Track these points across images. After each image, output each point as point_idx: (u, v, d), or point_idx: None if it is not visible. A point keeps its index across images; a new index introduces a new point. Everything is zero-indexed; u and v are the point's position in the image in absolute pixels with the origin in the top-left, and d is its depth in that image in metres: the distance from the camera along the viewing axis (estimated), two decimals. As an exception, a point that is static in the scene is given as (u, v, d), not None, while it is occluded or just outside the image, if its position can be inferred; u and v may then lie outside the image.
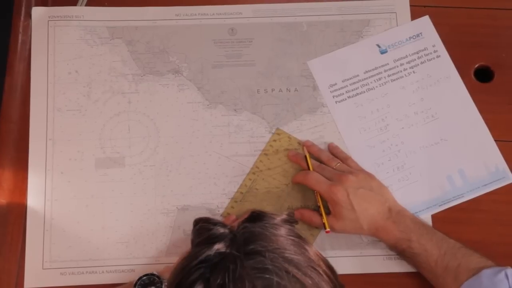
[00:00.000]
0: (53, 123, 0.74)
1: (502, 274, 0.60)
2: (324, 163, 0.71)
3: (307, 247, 0.50)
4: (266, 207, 0.71)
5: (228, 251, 0.47)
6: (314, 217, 0.69)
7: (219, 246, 0.47)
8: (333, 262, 0.70)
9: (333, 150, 0.73)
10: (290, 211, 0.66)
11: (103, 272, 0.70)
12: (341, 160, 0.71)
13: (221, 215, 0.72)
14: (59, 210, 0.72)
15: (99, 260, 0.71)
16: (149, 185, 0.73)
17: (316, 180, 0.68)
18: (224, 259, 0.46)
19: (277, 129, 0.74)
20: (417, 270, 0.68)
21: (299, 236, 0.52)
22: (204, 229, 0.51)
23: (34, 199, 0.72)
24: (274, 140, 0.74)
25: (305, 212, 0.70)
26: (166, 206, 0.72)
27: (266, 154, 0.73)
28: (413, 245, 0.65)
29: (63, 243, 0.71)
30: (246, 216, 0.53)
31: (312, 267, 0.48)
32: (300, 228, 0.71)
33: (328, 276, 0.49)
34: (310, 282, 0.46)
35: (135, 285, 0.64)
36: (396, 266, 0.71)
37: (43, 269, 0.70)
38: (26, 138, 0.73)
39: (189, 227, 0.71)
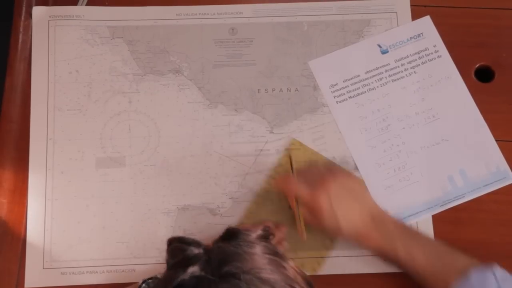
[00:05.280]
0: (54, 123, 0.74)
1: (489, 274, 0.60)
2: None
3: (284, 264, 0.49)
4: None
5: (202, 274, 0.46)
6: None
7: (193, 269, 0.46)
8: (333, 262, 0.71)
9: None
10: (266, 225, 0.63)
11: (103, 272, 0.70)
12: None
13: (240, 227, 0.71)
14: (60, 209, 0.72)
15: (99, 260, 0.71)
16: (150, 184, 0.73)
17: (298, 188, 0.66)
18: (199, 284, 0.45)
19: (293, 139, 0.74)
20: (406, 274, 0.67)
21: (276, 253, 0.50)
22: (178, 250, 0.50)
23: (34, 199, 0.72)
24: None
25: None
26: (167, 205, 0.72)
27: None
28: (399, 253, 0.64)
29: (64, 243, 0.71)
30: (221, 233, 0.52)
31: (290, 285, 0.47)
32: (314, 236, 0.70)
33: None
34: None
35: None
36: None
37: (43, 268, 0.70)
38: (27, 137, 0.73)
39: (190, 226, 0.72)
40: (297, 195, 0.66)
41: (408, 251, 0.63)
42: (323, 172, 0.68)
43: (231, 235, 0.51)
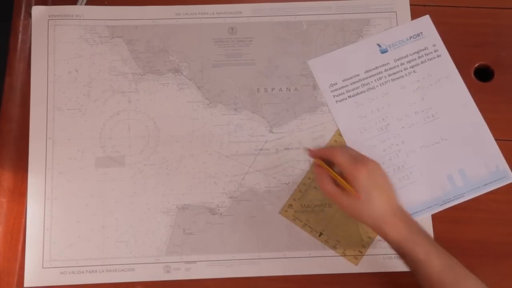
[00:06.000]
0: (53, 123, 0.74)
1: None
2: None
3: None
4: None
5: None
6: (326, 180, 0.65)
7: None
8: (333, 261, 0.71)
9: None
10: None
11: (103, 271, 0.70)
12: None
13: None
14: (59, 209, 0.72)
15: (99, 259, 0.71)
16: (149, 184, 0.73)
17: (342, 155, 0.65)
18: None
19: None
20: (415, 278, 0.63)
21: None
22: None
23: (34, 198, 0.72)
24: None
25: (321, 170, 0.66)
26: (166, 205, 0.72)
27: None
28: (419, 250, 0.61)
29: (63, 242, 0.71)
30: None
31: None
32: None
33: None
34: None
35: None
36: (395, 265, 0.71)
37: (43, 268, 0.70)
38: (26, 137, 0.73)
39: (190, 226, 0.72)
40: (337, 161, 0.65)
41: (427, 253, 0.61)
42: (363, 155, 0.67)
43: None
